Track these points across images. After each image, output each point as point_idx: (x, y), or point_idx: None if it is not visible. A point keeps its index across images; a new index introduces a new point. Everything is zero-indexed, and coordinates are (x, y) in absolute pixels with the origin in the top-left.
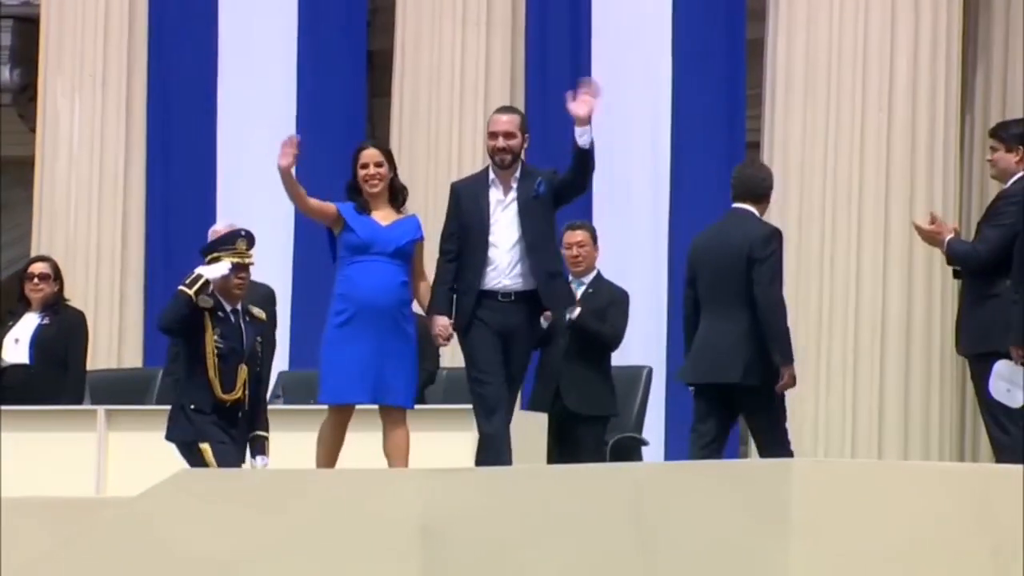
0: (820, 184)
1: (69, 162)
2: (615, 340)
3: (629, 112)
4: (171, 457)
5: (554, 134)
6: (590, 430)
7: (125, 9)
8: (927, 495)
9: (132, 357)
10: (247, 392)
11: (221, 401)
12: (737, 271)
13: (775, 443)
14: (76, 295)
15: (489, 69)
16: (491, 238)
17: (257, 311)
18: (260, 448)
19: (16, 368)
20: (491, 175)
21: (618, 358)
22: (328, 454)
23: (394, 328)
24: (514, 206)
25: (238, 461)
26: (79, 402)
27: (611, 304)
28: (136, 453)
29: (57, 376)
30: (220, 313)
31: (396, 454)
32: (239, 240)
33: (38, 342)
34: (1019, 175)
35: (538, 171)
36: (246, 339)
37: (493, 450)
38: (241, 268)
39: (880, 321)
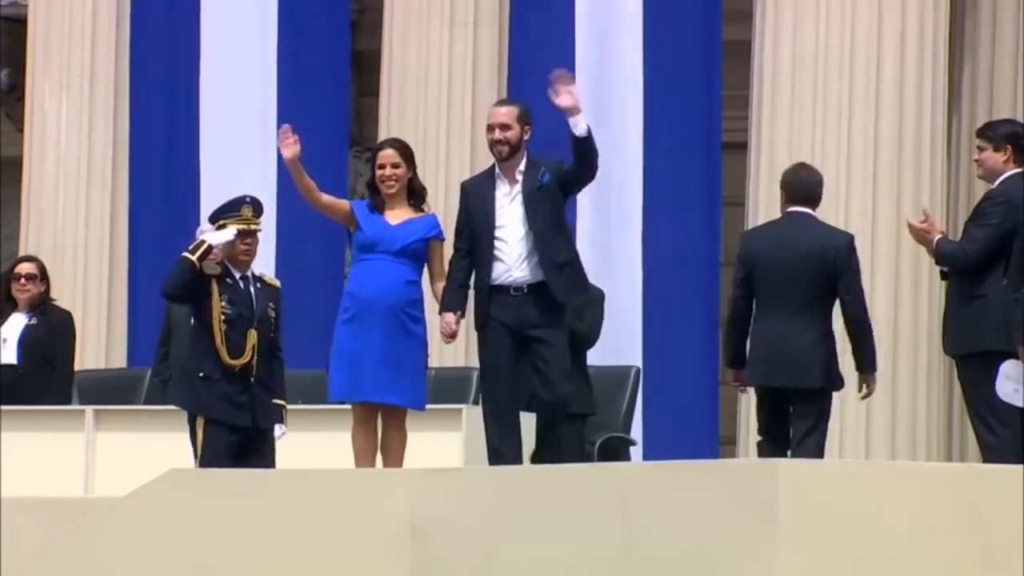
0: None
1: (56, 162)
2: (589, 337)
3: (605, 112)
4: (159, 457)
5: (541, 132)
6: (570, 428)
7: (112, 10)
8: (914, 495)
9: (120, 357)
10: (256, 356)
11: (229, 367)
12: (811, 275)
13: (818, 446)
14: (63, 295)
15: (477, 69)
16: (498, 232)
17: (270, 278)
18: (278, 416)
19: (4, 368)
20: (496, 170)
21: (601, 358)
22: (361, 456)
23: (398, 327)
24: (520, 198)
25: (229, 445)
26: (67, 402)
27: (588, 302)
28: (124, 453)
29: (45, 376)
30: (228, 280)
31: (392, 454)
32: (244, 207)
33: (26, 342)
34: (1006, 175)
35: (543, 161)
36: (256, 305)
37: (502, 462)
38: (247, 234)
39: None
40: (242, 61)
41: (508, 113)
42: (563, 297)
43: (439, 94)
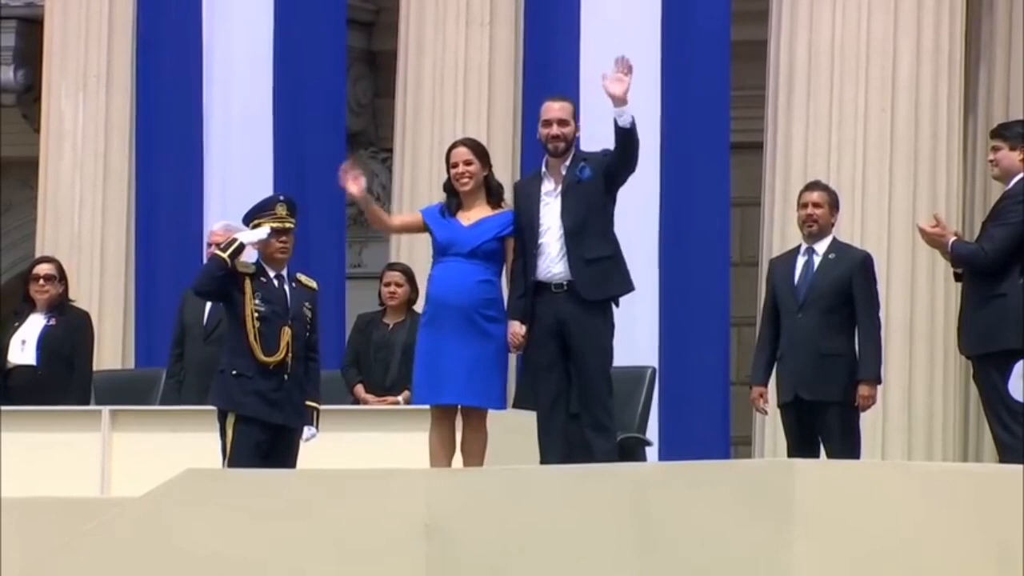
0: None
1: (73, 162)
2: None
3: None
4: (176, 457)
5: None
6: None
7: (129, 10)
8: (931, 495)
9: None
10: (291, 354)
11: (263, 364)
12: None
13: None
14: (80, 296)
15: (493, 69)
16: (541, 229)
17: (306, 279)
18: (309, 418)
19: (23, 369)
20: (544, 167)
21: (617, 359)
22: (436, 456)
23: (471, 328)
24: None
25: (258, 445)
26: (86, 403)
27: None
28: (140, 453)
29: (64, 377)
30: (263, 278)
31: (473, 454)
32: (278, 205)
33: (45, 343)
34: (1022, 174)
35: (590, 155)
36: (290, 302)
37: (541, 451)
38: (281, 232)
39: (884, 320)
40: (241, 59)
41: (564, 108)
42: (589, 293)
43: (455, 94)
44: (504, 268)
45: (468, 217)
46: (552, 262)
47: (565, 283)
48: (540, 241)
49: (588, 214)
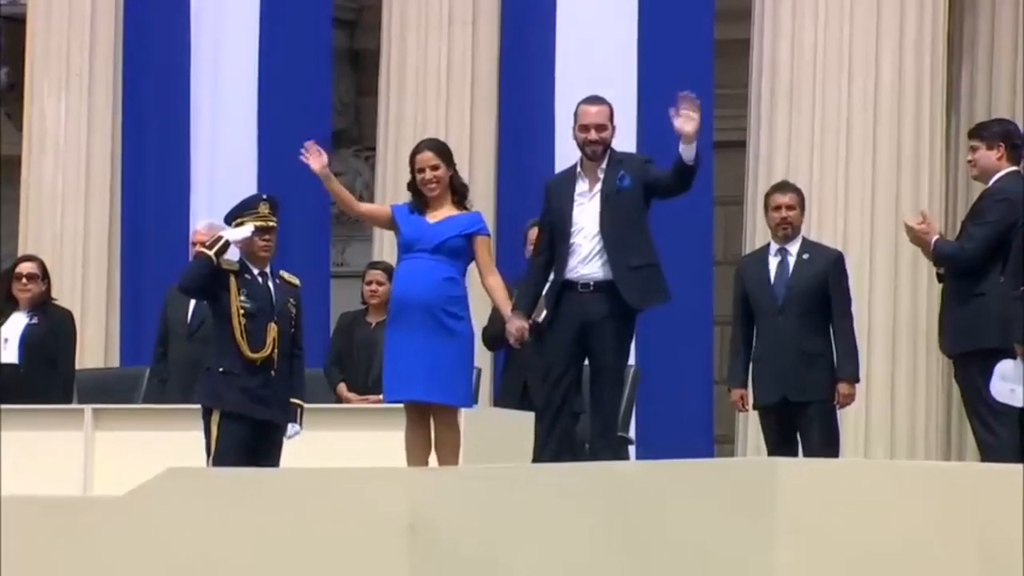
0: (806, 184)
1: (56, 161)
2: None
3: None
4: (158, 456)
5: (531, 132)
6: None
7: (111, 9)
8: (913, 494)
9: (118, 356)
10: (277, 350)
11: (250, 360)
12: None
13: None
14: (63, 294)
15: (476, 67)
16: (573, 229)
17: (290, 276)
18: (293, 415)
19: (5, 368)
20: (578, 167)
21: None
22: (411, 454)
23: (436, 324)
24: (598, 198)
25: (243, 441)
26: (68, 401)
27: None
28: (123, 452)
29: (47, 375)
30: (247, 275)
31: (446, 452)
32: (261, 204)
33: (27, 342)
34: (1002, 173)
35: (628, 159)
36: (275, 299)
37: (535, 450)
38: (265, 231)
39: (866, 321)
40: (228, 58)
41: (601, 112)
42: (634, 300)
43: (438, 93)
44: (470, 268)
45: (434, 216)
46: (582, 262)
47: (592, 283)
48: (572, 241)
49: (629, 221)
